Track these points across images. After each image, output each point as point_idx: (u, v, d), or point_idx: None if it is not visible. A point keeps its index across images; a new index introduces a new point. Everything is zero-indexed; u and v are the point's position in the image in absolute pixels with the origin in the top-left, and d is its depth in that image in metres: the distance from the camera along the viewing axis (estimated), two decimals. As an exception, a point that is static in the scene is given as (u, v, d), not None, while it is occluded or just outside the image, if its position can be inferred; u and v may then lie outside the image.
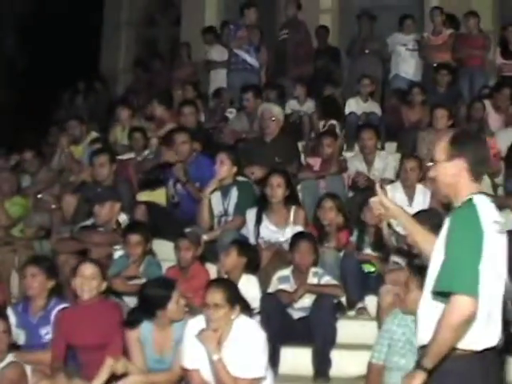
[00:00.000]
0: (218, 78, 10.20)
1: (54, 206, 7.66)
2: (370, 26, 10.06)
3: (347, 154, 7.89)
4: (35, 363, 5.10)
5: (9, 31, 15.15)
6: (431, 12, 9.93)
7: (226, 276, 5.62)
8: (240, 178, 6.73)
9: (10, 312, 5.36)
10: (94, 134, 8.87)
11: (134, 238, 5.86)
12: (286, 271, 5.74)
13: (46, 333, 5.25)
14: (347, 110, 9.00)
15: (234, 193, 6.59)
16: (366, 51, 9.89)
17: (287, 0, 10.14)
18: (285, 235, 6.20)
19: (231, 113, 9.05)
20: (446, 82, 9.09)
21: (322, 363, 5.38)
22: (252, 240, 6.29)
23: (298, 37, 9.73)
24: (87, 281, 5.05)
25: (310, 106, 9.14)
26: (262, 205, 6.36)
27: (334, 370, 5.42)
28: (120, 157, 7.75)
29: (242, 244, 5.81)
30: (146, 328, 4.98)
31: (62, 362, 5.03)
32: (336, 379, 5.37)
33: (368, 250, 6.19)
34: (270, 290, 5.68)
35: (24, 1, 15.24)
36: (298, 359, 5.50)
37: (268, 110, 7.69)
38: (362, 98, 9.11)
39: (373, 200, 3.66)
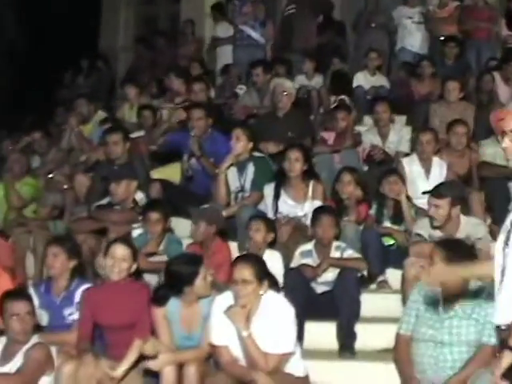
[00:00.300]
0: (225, 55, 10.18)
1: (65, 186, 7.62)
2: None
3: (359, 128, 7.85)
4: (60, 344, 5.01)
5: (7, 10, 14.99)
6: (438, -16, 9.87)
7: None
8: (256, 154, 6.71)
9: (32, 293, 5.26)
10: (101, 113, 8.81)
11: (154, 215, 5.83)
12: (309, 245, 5.72)
13: (70, 313, 5.18)
14: (355, 84, 9.01)
15: (251, 168, 6.55)
16: (373, 25, 9.86)
17: None
18: (303, 210, 6.19)
19: (241, 89, 9.01)
20: (454, 54, 9.12)
21: (347, 337, 5.36)
22: (270, 215, 6.25)
23: (304, 11, 9.62)
24: (118, 262, 4.99)
25: (318, 80, 9.10)
26: (280, 180, 6.33)
27: (359, 344, 5.40)
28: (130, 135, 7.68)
29: (268, 219, 5.78)
30: (173, 305, 4.94)
31: (88, 343, 4.99)
32: (361, 352, 5.35)
33: (387, 223, 6.20)
34: (293, 264, 5.66)
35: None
36: (322, 333, 5.46)
37: (280, 84, 7.65)
38: (369, 71, 9.11)
39: None
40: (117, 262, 5.00)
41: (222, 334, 4.67)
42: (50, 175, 7.84)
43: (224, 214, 6.28)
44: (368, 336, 5.46)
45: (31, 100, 13.11)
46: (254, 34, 9.61)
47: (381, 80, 9.09)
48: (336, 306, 5.42)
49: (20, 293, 4.95)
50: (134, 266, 5.09)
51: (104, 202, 6.41)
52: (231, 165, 6.58)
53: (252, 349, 4.56)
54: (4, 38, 14.94)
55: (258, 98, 8.27)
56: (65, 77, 13.00)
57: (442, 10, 9.75)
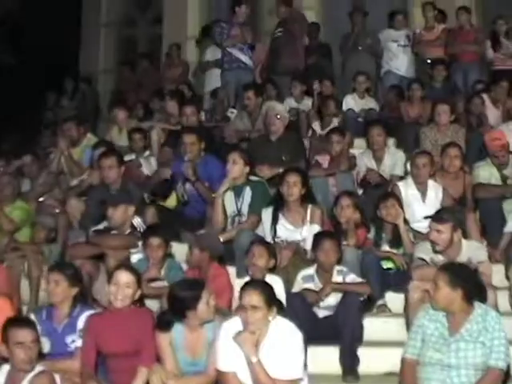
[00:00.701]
0: (213, 78, 10.18)
1: (57, 210, 7.55)
2: (362, 22, 10.07)
3: (352, 151, 7.88)
4: (63, 372, 4.93)
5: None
6: (423, 7, 9.98)
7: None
8: (253, 178, 6.69)
9: (32, 316, 5.25)
10: (90, 136, 8.76)
11: (155, 240, 5.81)
12: (310, 270, 5.72)
13: (72, 341, 5.10)
14: (344, 107, 9.03)
15: (248, 192, 6.55)
16: (360, 47, 9.92)
17: (276, 2, 10.05)
18: (302, 234, 6.19)
19: (232, 112, 9.03)
20: (442, 77, 9.18)
21: (350, 361, 5.36)
22: (268, 239, 6.23)
23: (291, 33, 9.68)
24: (122, 289, 4.95)
25: (307, 103, 9.12)
26: (278, 204, 6.33)
27: (361, 368, 5.40)
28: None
29: (270, 244, 5.77)
30: (177, 331, 4.90)
31: (92, 370, 4.94)
32: (364, 376, 5.36)
33: (386, 247, 6.21)
34: (295, 289, 5.65)
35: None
36: (325, 358, 5.46)
37: (272, 108, 7.68)
38: (358, 94, 9.15)
39: None
40: (121, 288, 4.96)
41: (230, 360, 4.64)
42: (41, 199, 7.76)
43: (221, 238, 6.26)
44: (370, 360, 5.48)
45: (13, 122, 13.04)
46: (243, 57, 9.61)
47: (370, 103, 9.16)
48: (338, 330, 5.41)
49: (24, 320, 4.86)
50: (139, 293, 5.05)
51: (101, 226, 6.36)
52: (228, 189, 6.56)
53: (261, 375, 4.55)
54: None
55: (249, 121, 8.27)
56: (48, 99, 12.92)
57: (428, 32, 9.85)
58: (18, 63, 15.02)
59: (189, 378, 4.87)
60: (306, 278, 5.68)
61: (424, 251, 5.65)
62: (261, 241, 5.83)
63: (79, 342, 5.08)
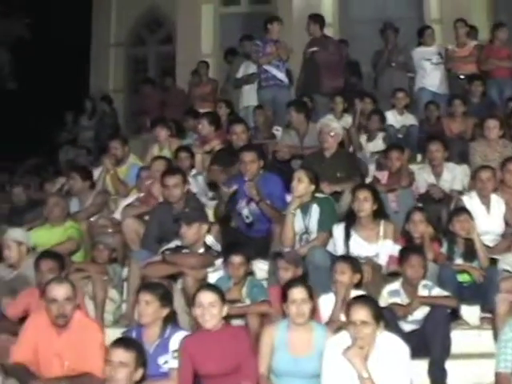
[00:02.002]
0: (246, 94, 10.17)
1: (110, 230, 7.48)
2: (394, 38, 10.13)
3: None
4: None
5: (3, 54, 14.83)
6: (455, 24, 10.06)
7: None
8: (319, 195, 6.67)
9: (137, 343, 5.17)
10: (132, 156, 8.69)
11: (237, 259, 5.77)
12: (395, 285, 5.72)
13: (165, 362, 5.05)
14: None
15: (315, 209, 6.53)
16: (393, 64, 9.96)
17: (308, 22, 10.08)
18: (376, 249, 6.18)
19: (278, 130, 9.02)
20: (480, 92, 9.23)
21: (440, 374, 5.40)
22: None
23: (327, 52, 9.71)
24: (207, 309, 4.93)
25: (347, 120, 9.14)
26: (350, 220, 6.33)
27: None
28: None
29: (353, 260, 5.76)
30: (280, 329, 5.00)
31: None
32: (452, 389, 5.39)
33: (459, 260, 6.23)
34: (381, 304, 5.63)
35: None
36: (413, 371, 5.44)
37: (326, 124, 7.66)
38: (397, 111, 9.19)
39: None
40: (206, 309, 4.94)
41: (337, 375, 4.65)
42: (92, 219, 7.68)
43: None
44: (454, 372, 5.47)
45: (31, 142, 12.96)
46: (279, 74, 9.62)
47: (409, 119, 9.20)
48: (425, 344, 5.43)
49: (123, 341, 4.80)
50: (225, 310, 5.02)
51: (172, 245, 6.29)
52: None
53: None
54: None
55: (297, 138, 8.24)
56: (66, 119, 12.85)
57: (461, 49, 9.93)
58: (29, 85, 14.90)
59: None
60: (392, 293, 5.67)
61: (509, 263, 5.69)
62: (344, 257, 5.82)
63: (172, 363, 5.04)
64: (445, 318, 5.48)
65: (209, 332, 4.96)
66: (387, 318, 5.39)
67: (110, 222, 7.58)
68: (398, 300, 5.62)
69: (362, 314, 4.59)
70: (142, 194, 7.61)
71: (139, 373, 4.64)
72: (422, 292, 5.63)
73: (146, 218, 7.18)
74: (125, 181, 8.28)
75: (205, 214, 6.48)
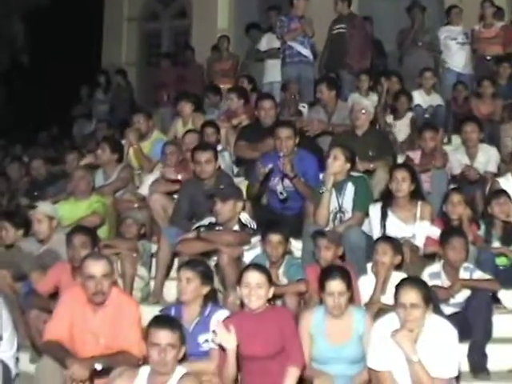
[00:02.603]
0: (269, 69, 10.06)
1: (136, 205, 7.37)
2: (421, 18, 9.98)
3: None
4: (199, 374, 4.77)
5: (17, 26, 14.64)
6: (482, 4, 9.91)
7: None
8: (354, 173, 6.56)
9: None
10: (156, 132, 8.54)
11: (276, 237, 5.65)
12: (436, 267, 5.63)
13: (205, 340, 4.95)
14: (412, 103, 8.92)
15: (350, 188, 6.41)
16: (419, 44, 9.82)
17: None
18: (413, 230, 6.08)
19: (304, 107, 8.89)
20: (508, 74, 9.11)
21: (481, 358, 5.33)
22: (376, 236, 6.14)
23: (355, 31, 9.57)
24: (254, 289, 4.80)
25: (373, 99, 9.00)
26: (387, 200, 6.23)
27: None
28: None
29: (395, 241, 5.65)
30: (317, 318, 4.92)
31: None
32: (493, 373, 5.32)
33: (496, 243, 6.15)
34: None
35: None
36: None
37: (358, 102, 7.53)
38: (425, 90, 9.07)
39: None
40: (253, 289, 4.81)
41: (385, 359, 4.58)
42: (117, 194, 7.56)
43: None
44: (491, 356, 5.40)
45: (44, 115, 12.81)
46: (304, 51, 9.46)
47: (436, 99, 9.07)
48: (465, 327, 5.30)
49: (166, 321, 4.64)
50: (272, 291, 4.90)
51: (205, 222, 6.17)
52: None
53: (421, 373, 4.47)
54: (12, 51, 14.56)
55: (325, 115, 8.10)
56: (81, 92, 12.69)
57: (488, 29, 9.80)
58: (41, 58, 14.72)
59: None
60: (433, 275, 5.58)
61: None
62: (385, 237, 5.71)
63: (212, 343, 4.94)
64: (487, 301, 5.40)
65: (252, 312, 4.85)
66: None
67: (136, 197, 7.48)
68: (438, 282, 5.53)
69: (411, 296, 4.48)
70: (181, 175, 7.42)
71: (182, 351, 4.52)
72: (464, 274, 5.55)
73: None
74: (149, 156, 8.13)
75: (240, 190, 6.33)
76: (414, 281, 4.70)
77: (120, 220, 6.94)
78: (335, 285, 4.83)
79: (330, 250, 5.64)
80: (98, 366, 4.79)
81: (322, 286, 4.90)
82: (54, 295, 5.76)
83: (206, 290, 5.07)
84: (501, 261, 6.04)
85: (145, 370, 4.56)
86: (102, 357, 4.86)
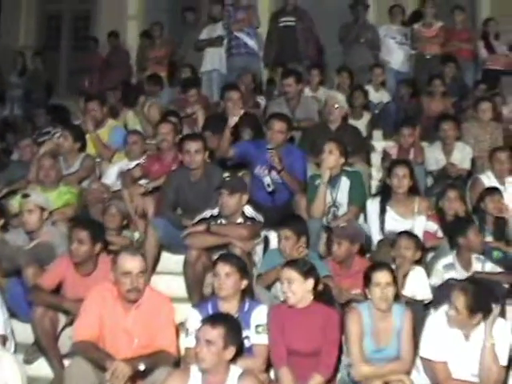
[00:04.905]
0: (209, 58, 9.94)
1: (105, 195, 7.04)
2: (364, 14, 10.10)
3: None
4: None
5: None
6: (423, 2, 10.14)
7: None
8: (348, 168, 6.57)
9: (194, 314, 4.88)
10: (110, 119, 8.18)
11: (286, 232, 5.57)
12: (449, 258, 5.72)
13: (245, 337, 4.79)
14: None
15: (345, 182, 6.43)
16: (362, 40, 9.94)
17: None
18: (411, 225, 6.15)
19: (262, 99, 8.78)
20: (453, 73, 9.40)
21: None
22: (375, 231, 6.20)
23: (305, 25, 9.56)
24: (287, 286, 4.76)
25: (322, 93, 9.04)
26: (385, 195, 6.28)
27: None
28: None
29: (416, 237, 5.71)
30: (366, 316, 4.86)
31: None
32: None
33: (489, 238, 6.31)
34: (437, 277, 5.63)
35: None
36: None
37: (332, 97, 7.54)
38: (374, 87, 9.20)
39: None
40: (286, 286, 4.78)
41: (440, 349, 4.67)
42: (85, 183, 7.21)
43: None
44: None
45: None
46: (250, 42, 9.38)
47: (385, 96, 9.24)
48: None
49: (214, 319, 4.45)
50: (310, 284, 4.81)
51: (207, 214, 5.97)
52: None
53: (491, 359, 4.58)
54: None
55: (287, 108, 8.04)
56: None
57: (428, 29, 10.04)
58: None
59: (383, 365, 4.79)
60: (447, 267, 5.68)
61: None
62: (408, 233, 5.74)
63: (255, 339, 4.82)
64: (502, 295, 5.52)
65: (296, 307, 4.77)
66: (445, 294, 5.45)
67: (104, 188, 7.14)
68: (453, 273, 5.61)
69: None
70: (143, 160, 7.17)
71: (230, 351, 4.32)
72: (476, 265, 5.69)
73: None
74: (107, 144, 7.78)
75: (245, 183, 6.18)
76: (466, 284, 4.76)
77: (102, 209, 6.59)
78: (382, 275, 4.84)
79: (341, 246, 5.62)
80: (142, 367, 4.56)
81: (367, 280, 4.88)
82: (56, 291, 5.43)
83: (244, 284, 4.92)
84: (496, 254, 6.21)
85: (195, 369, 4.38)
86: (143, 357, 4.62)
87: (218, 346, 4.26)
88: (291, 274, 4.78)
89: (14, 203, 6.74)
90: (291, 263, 4.90)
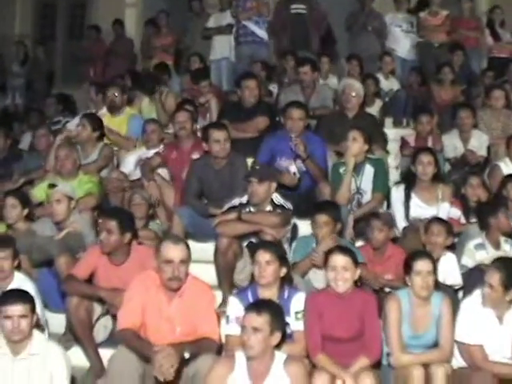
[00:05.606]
0: (218, 46, 9.97)
1: (126, 184, 7.04)
2: (370, 3, 10.12)
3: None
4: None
5: None
6: (430, -8, 10.21)
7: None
8: (372, 156, 6.62)
9: (234, 301, 4.91)
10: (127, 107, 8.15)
11: (322, 217, 5.60)
12: (479, 239, 5.80)
13: (285, 324, 4.76)
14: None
15: (368, 170, 6.48)
16: (369, 28, 9.96)
17: None
18: (435, 212, 6.19)
19: (274, 87, 8.78)
20: (461, 61, 9.46)
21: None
22: (400, 218, 6.24)
23: (315, 13, 9.58)
24: (340, 273, 4.76)
25: (333, 81, 9.07)
26: (409, 182, 6.33)
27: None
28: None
29: (447, 223, 5.76)
30: (406, 303, 4.88)
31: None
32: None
33: (509, 224, 6.40)
34: (468, 256, 5.73)
35: None
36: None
37: (349, 85, 7.56)
38: (383, 75, 9.24)
39: None
40: (339, 273, 4.77)
41: (475, 332, 4.76)
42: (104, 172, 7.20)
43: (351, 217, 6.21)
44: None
45: None
46: (258, 31, 9.38)
47: (395, 84, 9.29)
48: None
49: (259, 306, 4.47)
50: (358, 273, 4.87)
51: (235, 202, 5.98)
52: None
53: None
54: None
55: (303, 96, 8.06)
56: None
57: (434, 17, 10.09)
58: None
59: (422, 353, 4.84)
60: (478, 246, 5.78)
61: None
62: (439, 219, 5.80)
63: (294, 325, 4.85)
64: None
65: (336, 293, 4.80)
66: (478, 278, 5.51)
67: (124, 176, 7.14)
68: (484, 253, 5.71)
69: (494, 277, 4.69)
70: (161, 148, 7.18)
71: (276, 337, 4.38)
72: (505, 246, 5.79)
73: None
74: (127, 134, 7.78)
75: (274, 171, 6.21)
76: (501, 262, 4.86)
77: (127, 199, 6.58)
78: (424, 264, 4.87)
79: (382, 232, 5.67)
80: (186, 354, 4.58)
81: (408, 268, 4.92)
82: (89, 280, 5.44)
83: (283, 271, 4.94)
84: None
85: (240, 356, 4.41)
86: (187, 344, 4.64)
87: (265, 332, 4.30)
88: (347, 261, 4.78)
89: (36, 193, 6.74)
90: (345, 251, 4.87)
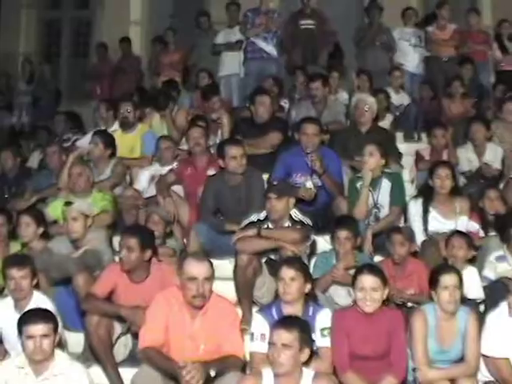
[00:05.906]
0: (227, 63, 9.93)
1: (140, 202, 7.00)
2: (379, 17, 10.12)
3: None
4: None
5: None
6: (440, 5, 10.17)
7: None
8: (388, 170, 6.60)
9: (259, 318, 4.85)
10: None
11: (343, 233, 5.59)
12: (500, 252, 5.72)
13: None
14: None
15: (386, 184, 6.44)
16: (377, 43, 9.96)
17: None
18: (453, 226, 6.14)
19: (286, 103, 8.77)
20: (470, 75, 9.46)
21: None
22: (418, 231, 6.19)
23: (324, 28, 9.61)
24: (369, 294, 4.71)
25: (343, 96, 9.05)
26: (427, 196, 6.29)
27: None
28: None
29: (468, 236, 5.72)
30: (431, 317, 4.83)
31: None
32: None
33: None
34: (489, 269, 5.65)
35: None
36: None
37: (362, 100, 7.54)
38: (393, 89, 9.22)
39: None
40: (368, 293, 4.72)
41: (502, 346, 4.72)
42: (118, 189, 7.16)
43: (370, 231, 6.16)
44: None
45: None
46: (267, 47, 9.37)
47: (405, 98, 9.28)
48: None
49: (289, 322, 4.42)
50: (386, 292, 4.81)
51: (253, 218, 5.93)
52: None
53: None
54: None
55: (314, 111, 8.04)
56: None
57: (441, 32, 10.09)
58: None
59: (448, 368, 4.78)
60: (500, 258, 5.68)
61: None
62: (460, 232, 5.76)
63: (320, 342, 4.79)
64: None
65: (364, 312, 4.75)
66: (500, 291, 5.47)
67: (138, 194, 7.10)
68: (505, 265, 5.63)
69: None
70: (175, 165, 7.15)
71: (305, 353, 4.33)
72: (526, 257, 5.74)
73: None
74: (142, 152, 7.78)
75: (292, 187, 6.18)
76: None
77: (145, 216, 6.54)
78: (450, 278, 4.82)
79: (404, 246, 5.63)
80: (212, 372, 4.52)
81: (434, 282, 4.87)
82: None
83: (308, 287, 4.90)
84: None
85: (268, 373, 4.36)
86: (213, 362, 4.59)
87: (295, 349, 4.25)
88: (376, 282, 4.73)
89: (51, 211, 6.70)
90: (374, 271, 4.81)
